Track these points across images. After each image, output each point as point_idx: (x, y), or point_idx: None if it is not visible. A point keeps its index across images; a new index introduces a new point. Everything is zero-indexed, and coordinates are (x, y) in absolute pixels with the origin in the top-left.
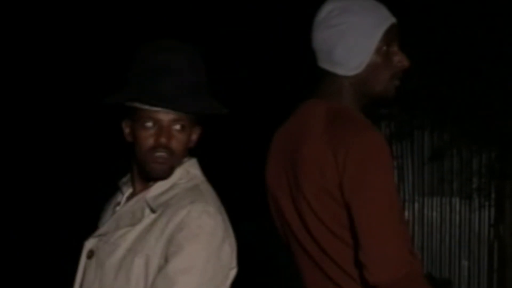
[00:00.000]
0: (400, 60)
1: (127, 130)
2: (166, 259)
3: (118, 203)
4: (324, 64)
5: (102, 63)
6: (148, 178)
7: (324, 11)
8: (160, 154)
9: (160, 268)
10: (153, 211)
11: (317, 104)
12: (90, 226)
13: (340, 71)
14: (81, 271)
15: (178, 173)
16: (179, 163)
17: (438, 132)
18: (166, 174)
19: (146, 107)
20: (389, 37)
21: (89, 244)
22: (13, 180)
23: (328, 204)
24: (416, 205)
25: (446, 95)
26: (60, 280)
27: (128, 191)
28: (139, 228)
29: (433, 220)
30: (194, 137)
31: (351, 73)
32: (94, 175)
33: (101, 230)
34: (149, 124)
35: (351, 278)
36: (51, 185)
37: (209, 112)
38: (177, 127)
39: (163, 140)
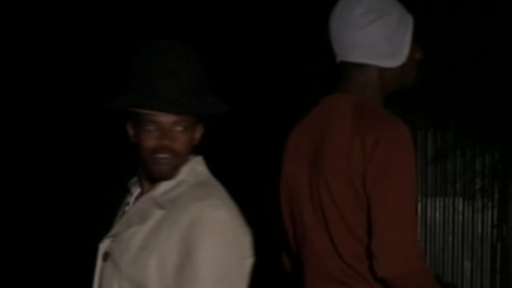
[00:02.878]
0: (419, 51)
1: (131, 133)
2: (182, 256)
3: (128, 204)
4: (363, 59)
5: (103, 64)
6: (153, 178)
7: (357, 10)
8: (163, 155)
9: (175, 265)
10: (161, 207)
11: (343, 97)
12: (94, 226)
13: (386, 63)
14: (98, 273)
15: (184, 171)
16: (183, 161)
17: (441, 133)
18: (169, 174)
19: (147, 111)
20: (413, 30)
21: (103, 246)
22: (16, 180)
23: (349, 193)
24: (419, 205)
25: (450, 95)
26: (62, 280)
27: (136, 191)
28: (148, 226)
29: (436, 221)
30: (197, 135)
31: (396, 64)
32: (98, 176)
33: (113, 231)
34: (151, 127)
35: (355, 273)
36: (54, 186)
37: (207, 112)
38: (179, 128)
39: (165, 142)
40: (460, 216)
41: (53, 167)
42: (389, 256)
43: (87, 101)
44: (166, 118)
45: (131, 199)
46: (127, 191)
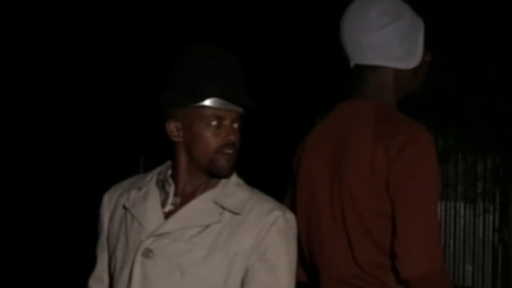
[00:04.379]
0: (429, 54)
1: (174, 131)
2: (255, 259)
3: (164, 201)
4: (380, 60)
5: (103, 64)
6: (215, 175)
7: (373, 12)
8: (229, 151)
9: (245, 266)
10: (232, 211)
11: (363, 102)
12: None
13: (401, 65)
14: (139, 270)
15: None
16: None
17: (442, 136)
18: (232, 171)
19: (212, 106)
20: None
21: (146, 243)
22: (14, 180)
23: (372, 198)
24: None
25: (451, 99)
26: (62, 280)
27: (171, 189)
28: (217, 226)
29: None
30: None
31: (412, 66)
32: (94, 175)
33: (162, 228)
34: (214, 122)
35: (371, 277)
36: (52, 185)
37: (258, 111)
38: (236, 125)
39: (233, 138)
40: (462, 220)
41: (53, 167)
42: (414, 257)
43: (87, 102)
44: (231, 114)
45: (169, 197)
46: (156, 188)
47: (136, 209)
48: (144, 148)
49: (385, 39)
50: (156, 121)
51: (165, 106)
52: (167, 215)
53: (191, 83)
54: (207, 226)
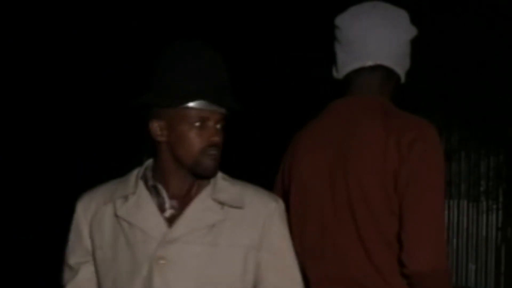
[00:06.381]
0: None
1: (158, 130)
2: (264, 250)
3: (162, 205)
4: (385, 61)
5: (104, 64)
6: (200, 176)
7: (404, 21)
8: (214, 152)
9: (256, 257)
10: (235, 207)
11: (369, 97)
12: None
13: (402, 72)
14: (159, 279)
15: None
16: None
17: (446, 135)
18: (217, 171)
19: (196, 107)
20: None
21: (159, 250)
22: (15, 179)
23: (381, 194)
24: None
25: (455, 97)
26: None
27: (164, 193)
28: (222, 224)
29: None
30: None
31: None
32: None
33: (171, 234)
34: (198, 123)
35: (376, 271)
36: (53, 184)
37: (243, 110)
38: (219, 125)
39: (216, 139)
40: (465, 219)
41: (54, 166)
42: (424, 251)
43: (89, 100)
44: (215, 115)
45: (165, 201)
46: (147, 193)
47: (134, 218)
48: (147, 146)
49: (406, 46)
50: (139, 120)
51: (148, 106)
52: (170, 220)
53: (175, 83)
54: (213, 224)
